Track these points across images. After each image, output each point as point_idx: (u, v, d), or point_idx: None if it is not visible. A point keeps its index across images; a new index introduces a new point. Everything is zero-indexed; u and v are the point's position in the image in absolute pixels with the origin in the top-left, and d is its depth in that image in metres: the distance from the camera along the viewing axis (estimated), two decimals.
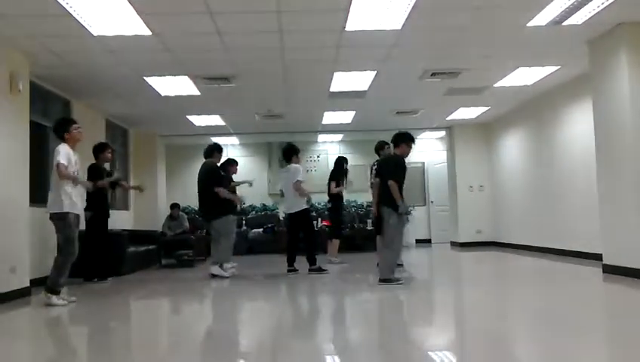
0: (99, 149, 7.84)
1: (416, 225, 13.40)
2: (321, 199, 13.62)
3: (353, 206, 13.79)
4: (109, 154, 7.98)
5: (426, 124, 12.28)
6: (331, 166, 13.50)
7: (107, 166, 8.28)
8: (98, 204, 7.69)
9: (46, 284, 5.72)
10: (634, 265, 6.24)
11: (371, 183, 7.83)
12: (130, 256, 8.54)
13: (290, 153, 8.25)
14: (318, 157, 14.45)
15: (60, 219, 5.65)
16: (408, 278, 7.09)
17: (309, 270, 7.88)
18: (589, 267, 7.55)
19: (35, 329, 4.89)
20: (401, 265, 7.80)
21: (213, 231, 7.90)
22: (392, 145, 6.75)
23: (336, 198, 9.05)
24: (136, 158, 11.91)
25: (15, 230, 6.30)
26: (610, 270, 6.64)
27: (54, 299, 5.64)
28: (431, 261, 9.73)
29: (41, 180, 7.81)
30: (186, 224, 11.23)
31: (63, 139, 5.77)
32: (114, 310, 5.67)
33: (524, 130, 11.02)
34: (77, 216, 5.79)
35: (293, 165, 8.17)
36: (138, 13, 5.48)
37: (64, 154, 5.61)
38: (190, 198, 12.98)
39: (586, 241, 8.44)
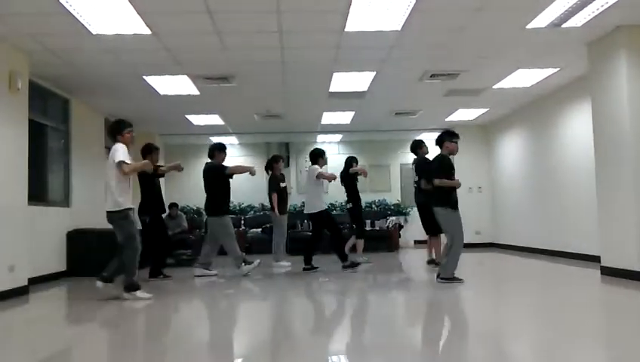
0: (147, 151, 7.77)
1: (415, 225, 13.40)
2: None
3: None
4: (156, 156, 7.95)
5: (425, 125, 12.29)
6: (330, 167, 13.56)
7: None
8: (154, 207, 7.68)
9: (124, 286, 5.80)
10: (632, 267, 6.25)
11: (415, 182, 8.21)
12: None
13: (315, 156, 8.36)
14: None
15: (122, 218, 5.75)
16: (407, 279, 7.10)
17: (305, 269, 8.02)
18: (587, 269, 7.55)
19: (32, 328, 4.88)
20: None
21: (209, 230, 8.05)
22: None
23: (355, 198, 8.98)
24: (135, 157, 11.87)
25: (14, 229, 6.29)
26: (608, 272, 6.65)
27: (138, 293, 5.77)
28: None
29: (39, 179, 7.81)
30: (185, 223, 11.22)
31: (116, 142, 5.89)
32: (112, 309, 5.65)
33: (523, 131, 11.03)
34: (133, 211, 5.91)
35: (312, 166, 8.27)
36: (137, 12, 5.48)
37: (123, 152, 5.75)
38: (189, 198, 13.01)
39: (585, 243, 8.45)
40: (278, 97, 9.48)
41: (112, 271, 5.89)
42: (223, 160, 8.02)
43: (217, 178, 7.81)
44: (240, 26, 6.05)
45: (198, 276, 7.76)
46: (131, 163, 5.82)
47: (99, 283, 5.84)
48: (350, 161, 9.17)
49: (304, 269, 8.09)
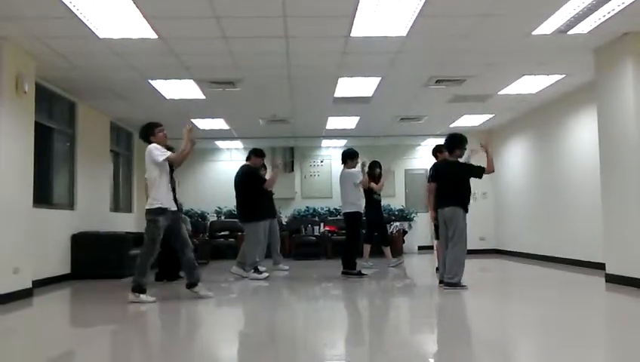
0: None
1: (419, 231, 13.39)
2: (324, 204, 13.68)
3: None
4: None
5: (430, 130, 12.28)
6: (335, 171, 13.57)
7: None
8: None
9: (131, 287, 5.87)
10: (636, 274, 6.21)
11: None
12: (133, 259, 8.52)
13: (344, 157, 8.41)
14: (321, 162, 14.44)
15: (149, 219, 5.86)
16: (411, 284, 7.08)
17: (344, 272, 8.02)
18: (592, 276, 7.52)
19: (36, 331, 4.89)
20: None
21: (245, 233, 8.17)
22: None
23: (369, 204, 8.92)
24: (140, 161, 11.89)
25: (18, 231, 6.30)
26: (613, 279, 6.61)
27: (143, 296, 5.81)
28: (433, 267, 9.69)
29: (45, 181, 7.84)
30: (189, 227, 11.19)
31: (149, 143, 6.01)
32: (116, 312, 5.66)
33: (528, 138, 11.01)
34: (168, 217, 5.91)
35: (346, 170, 8.30)
36: (144, 17, 5.51)
37: (158, 149, 5.87)
38: (193, 201, 12.99)
39: (589, 250, 8.42)
40: (283, 102, 9.49)
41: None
42: (258, 164, 8.21)
43: (252, 182, 7.92)
44: (246, 31, 6.06)
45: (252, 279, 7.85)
46: (172, 154, 5.90)
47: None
48: (374, 166, 9.18)
49: (342, 273, 8.02)
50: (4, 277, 5.97)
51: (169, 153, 5.89)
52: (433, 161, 8.01)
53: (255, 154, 8.27)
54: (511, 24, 6.02)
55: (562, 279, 7.79)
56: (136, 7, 5.27)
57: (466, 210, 6.45)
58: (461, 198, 6.43)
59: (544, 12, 5.70)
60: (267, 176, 8.96)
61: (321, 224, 12.75)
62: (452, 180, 6.52)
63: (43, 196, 7.63)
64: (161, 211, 5.83)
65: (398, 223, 12.67)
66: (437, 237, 8.19)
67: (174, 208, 6.03)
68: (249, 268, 7.93)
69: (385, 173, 9.29)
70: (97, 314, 5.57)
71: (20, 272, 6.25)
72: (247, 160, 8.33)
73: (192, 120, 10.67)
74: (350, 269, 7.97)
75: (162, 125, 6.17)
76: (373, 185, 8.94)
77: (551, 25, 6.00)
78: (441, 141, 7.01)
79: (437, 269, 8.18)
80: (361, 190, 8.33)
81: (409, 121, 11.18)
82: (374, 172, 9.18)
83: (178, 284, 7.43)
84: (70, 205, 8.63)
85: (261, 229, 8.01)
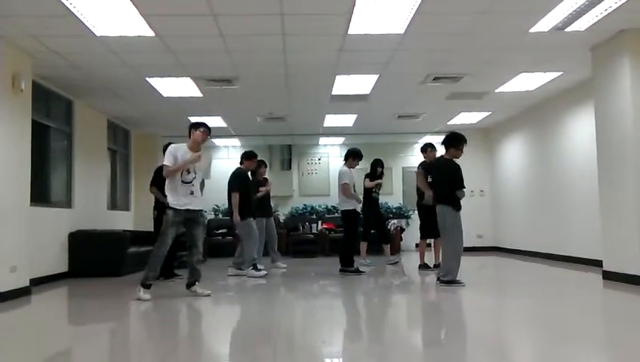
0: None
1: (417, 229, 13.37)
2: (321, 202, 13.68)
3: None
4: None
5: (428, 128, 12.29)
6: (332, 169, 13.59)
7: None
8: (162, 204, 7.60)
9: (142, 278, 5.98)
10: (634, 271, 6.23)
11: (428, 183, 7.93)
12: (131, 257, 8.56)
13: (347, 155, 8.37)
14: (319, 160, 14.43)
15: (165, 214, 6.01)
16: (408, 281, 7.09)
17: (341, 270, 8.03)
18: (589, 273, 7.54)
19: (34, 329, 4.89)
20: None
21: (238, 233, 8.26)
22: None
23: (366, 202, 8.94)
24: (138, 159, 11.91)
25: (15, 229, 6.29)
26: (610, 276, 6.63)
27: (141, 293, 5.86)
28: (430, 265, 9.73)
29: (42, 180, 7.82)
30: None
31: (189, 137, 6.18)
32: (113, 310, 5.66)
33: (526, 135, 11.02)
34: (180, 214, 5.95)
35: (342, 168, 8.29)
36: (141, 15, 5.49)
37: (168, 155, 5.94)
38: None
39: (586, 247, 8.43)
40: (280, 100, 9.48)
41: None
42: (250, 166, 8.40)
43: (241, 184, 8.06)
44: (243, 29, 6.06)
45: (250, 276, 7.92)
46: (171, 165, 5.90)
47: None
48: (375, 164, 9.19)
49: (340, 271, 8.03)
50: (1, 275, 5.96)
51: (168, 163, 5.90)
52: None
53: (246, 157, 8.39)
54: (508, 21, 6.02)
55: (560, 276, 7.81)
56: (134, 5, 5.25)
57: (456, 208, 6.43)
58: (449, 197, 6.43)
59: (541, 9, 5.70)
60: (266, 175, 9.39)
61: (319, 222, 12.76)
62: (441, 179, 6.55)
63: (40, 194, 7.62)
64: (170, 207, 5.92)
65: (395, 221, 12.68)
66: (422, 236, 8.54)
67: (191, 207, 6.02)
68: (247, 265, 7.98)
69: (380, 178, 9.26)
70: (95, 312, 5.56)
71: (17, 271, 6.24)
72: (240, 163, 8.43)
73: (189, 118, 10.66)
74: (348, 267, 7.99)
75: (204, 125, 6.25)
76: (367, 182, 9.02)
77: (548, 22, 6.00)
78: (440, 138, 7.05)
79: (420, 266, 8.48)
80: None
81: (406, 118, 11.18)
82: (375, 171, 9.19)
83: (174, 283, 7.44)
84: (67, 203, 8.61)
85: (253, 226, 8.08)
